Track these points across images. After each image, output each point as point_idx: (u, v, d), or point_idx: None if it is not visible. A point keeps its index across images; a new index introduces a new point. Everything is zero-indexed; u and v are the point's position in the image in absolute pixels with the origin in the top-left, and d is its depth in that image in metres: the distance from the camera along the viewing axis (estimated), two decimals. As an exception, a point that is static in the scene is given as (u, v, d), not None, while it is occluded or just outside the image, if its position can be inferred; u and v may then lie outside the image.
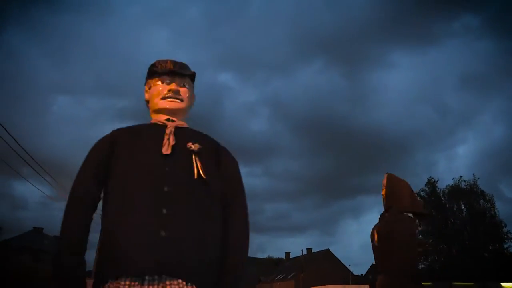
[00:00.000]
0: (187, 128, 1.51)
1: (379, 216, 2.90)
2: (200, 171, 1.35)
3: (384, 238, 2.69)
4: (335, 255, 43.30)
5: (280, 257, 58.04)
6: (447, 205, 35.04)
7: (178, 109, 1.51)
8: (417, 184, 36.11)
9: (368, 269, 47.76)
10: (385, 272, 2.62)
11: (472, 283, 16.85)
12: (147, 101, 1.58)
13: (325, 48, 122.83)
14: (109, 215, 1.29)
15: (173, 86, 1.51)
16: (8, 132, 10.79)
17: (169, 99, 1.50)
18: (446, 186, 35.81)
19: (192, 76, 1.61)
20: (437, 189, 35.76)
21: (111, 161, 1.38)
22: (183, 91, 1.54)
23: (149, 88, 1.56)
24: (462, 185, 35.02)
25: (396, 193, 2.80)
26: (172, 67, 1.53)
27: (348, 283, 34.58)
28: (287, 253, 54.15)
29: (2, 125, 10.46)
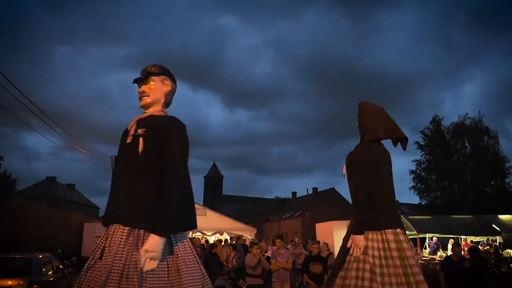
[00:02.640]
0: (148, 116, 1.96)
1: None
2: (140, 148, 1.80)
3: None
4: (340, 193, 44.33)
5: (287, 197, 59.61)
6: (451, 142, 35.20)
7: (146, 104, 2.02)
8: (423, 122, 35.96)
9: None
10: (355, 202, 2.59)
11: (471, 216, 17.39)
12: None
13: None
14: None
15: (140, 89, 2.04)
16: (12, 84, 10.73)
17: (140, 99, 2.04)
18: (451, 123, 35.74)
19: (153, 73, 2.03)
20: (442, 126, 35.74)
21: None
22: (147, 87, 2.02)
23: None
24: (467, 122, 34.92)
25: (368, 121, 2.72)
26: (140, 75, 2.05)
27: (353, 220, 35.33)
28: (294, 193, 55.51)
29: (5, 77, 10.39)
